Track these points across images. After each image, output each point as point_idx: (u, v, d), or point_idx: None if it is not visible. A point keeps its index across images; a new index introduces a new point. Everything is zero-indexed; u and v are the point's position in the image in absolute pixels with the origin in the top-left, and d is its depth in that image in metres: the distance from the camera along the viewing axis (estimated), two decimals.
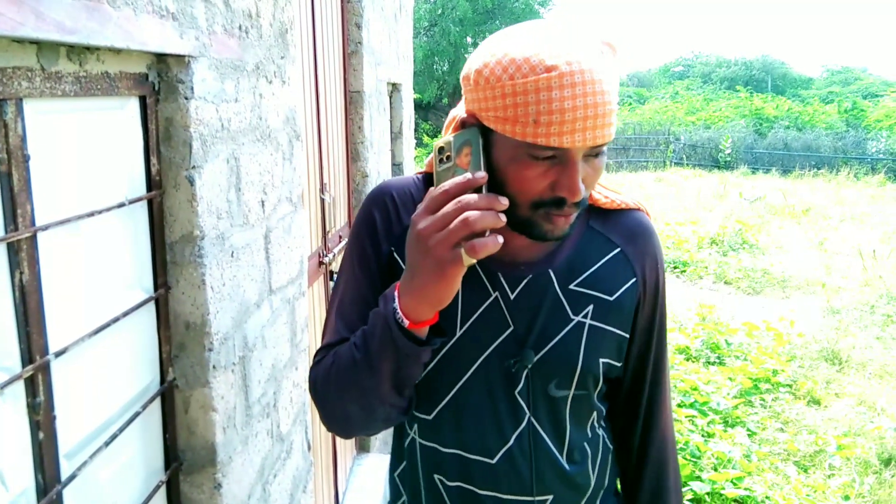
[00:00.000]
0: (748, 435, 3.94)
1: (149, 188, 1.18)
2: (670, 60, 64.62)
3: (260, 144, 1.55)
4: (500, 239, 0.79)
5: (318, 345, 1.12)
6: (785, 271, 7.91)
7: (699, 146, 23.14)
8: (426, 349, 0.89)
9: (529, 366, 0.98)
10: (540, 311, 0.98)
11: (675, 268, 8.10)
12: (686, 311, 6.28)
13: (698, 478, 3.32)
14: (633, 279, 1.02)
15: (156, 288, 1.21)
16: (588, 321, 0.99)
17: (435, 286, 0.81)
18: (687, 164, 22.11)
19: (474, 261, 0.80)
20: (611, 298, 1.00)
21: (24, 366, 0.86)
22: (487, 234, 0.80)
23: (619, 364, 1.04)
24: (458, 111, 0.98)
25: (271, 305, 1.65)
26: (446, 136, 0.88)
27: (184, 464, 1.29)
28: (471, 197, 0.79)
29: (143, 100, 1.14)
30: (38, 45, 0.86)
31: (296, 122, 1.87)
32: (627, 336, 1.03)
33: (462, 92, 0.91)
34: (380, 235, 1.00)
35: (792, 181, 17.88)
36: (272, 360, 1.66)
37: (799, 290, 7.35)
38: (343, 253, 1.02)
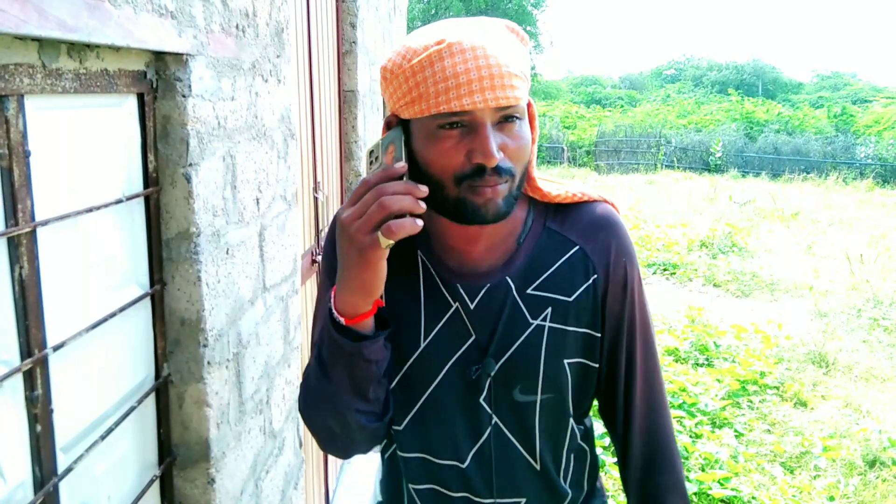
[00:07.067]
0: (735, 436, 3.97)
1: (146, 185, 1.18)
2: (662, 63, 64.91)
3: (255, 143, 1.56)
4: (420, 223, 0.82)
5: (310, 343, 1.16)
6: (773, 274, 7.97)
7: (690, 149, 23.23)
8: (369, 344, 0.88)
9: (491, 373, 0.99)
10: (500, 318, 0.98)
11: (664, 270, 8.15)
12: (675, 312, 6.32)
13: (686, 478, 3.36)
14: (594, 276, 1.00)
15: (152, 284, 1.22)
16: (547, 324, 0.98)
17: (359, 273, 0.84)
18: (678, 167, 22.20)
19: (392, 242, 0.82)
20: (569, 299, 0.99)
21: (22, 359, 0.86)
22: (407, 218, 0.83)
23: (595, 364, 1.03)
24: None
25: (265, 303, 1.66)
26: (376, 140, 0.93)
27: (177, 458, 1.30)
28: (388, 184, 0.83)
29: (140, 97, 1.15)
30: (40, 42, 0.87)
31: (290, 121, 1.88)
32: (598, 335, 1.01)
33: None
34: None
35: (781, 185, 17.98)
36: (265, 357, 1.67)
37: (787, 293, 7.40)
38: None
